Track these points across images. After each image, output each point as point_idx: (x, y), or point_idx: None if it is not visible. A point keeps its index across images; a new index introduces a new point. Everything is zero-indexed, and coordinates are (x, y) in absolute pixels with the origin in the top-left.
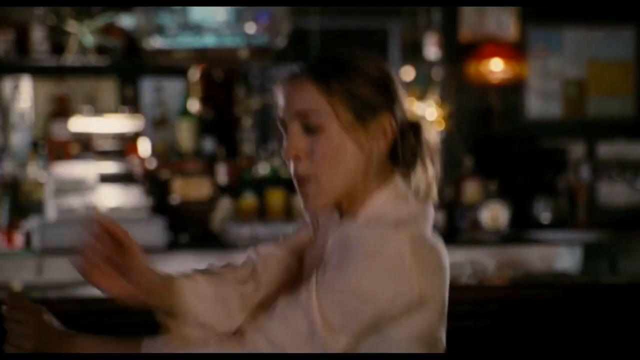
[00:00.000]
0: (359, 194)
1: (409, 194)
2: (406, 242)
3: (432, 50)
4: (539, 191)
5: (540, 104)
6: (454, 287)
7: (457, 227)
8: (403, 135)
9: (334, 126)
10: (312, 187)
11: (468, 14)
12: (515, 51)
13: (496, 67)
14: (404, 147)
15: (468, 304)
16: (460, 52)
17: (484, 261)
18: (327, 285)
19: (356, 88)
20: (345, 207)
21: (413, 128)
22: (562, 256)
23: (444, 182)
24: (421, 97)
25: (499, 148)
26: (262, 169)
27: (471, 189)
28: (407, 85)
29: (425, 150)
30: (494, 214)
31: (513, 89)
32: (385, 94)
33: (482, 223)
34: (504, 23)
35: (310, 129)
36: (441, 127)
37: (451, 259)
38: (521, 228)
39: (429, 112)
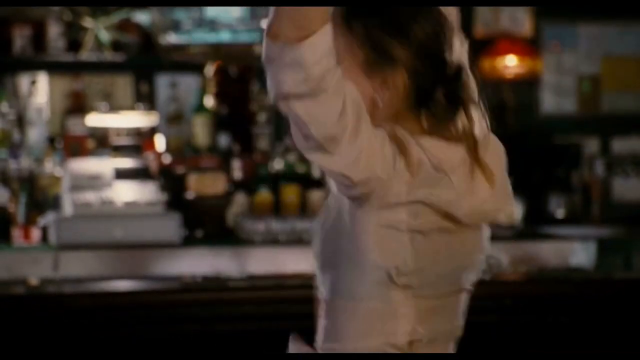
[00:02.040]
0: None
1: None
2: None
3: None
4: (553, 187)
5: (554, 100)
6: None
7: None
8: (430, 90)
9: (348, 63)
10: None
11: (482, 10)
12: (529, 47)
13: (510, 63)
14: (431, 101)
15: (482, 299)
16: (474, 47)
17: (498, 256)
18: None
19: (376, 35)
20: None
21: (448, 83)
22: (576, 252)
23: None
24: None
25: (513, 144)
26: (277, 164)
27: None
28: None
29: (466, 98)
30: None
31: (527, 84)
32: (410, 52)
33: None
34: (519, 19)
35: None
36: None
37: None
38: (535, 223)
39: None
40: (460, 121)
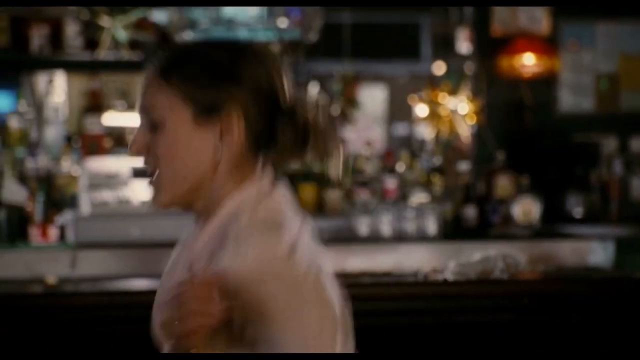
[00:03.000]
0: (215, 194)
1: (278, 189)
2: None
3: (463, 44)
4: (571, 186)
5: (572, 98)
6: (487, 282)
7: (488, 222)
8: (270, 129)
9: (173, 122)
10: (154, 184)
11: (500, 8)
12: (547, 45)
13: (528, 61)
14: (275, 140)
15: (500, 298)
16: (492, 46)
17: (516, 255)
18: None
19: (199, 83)
20: (200, 208)
21: (288, 114)
22: (595, 251)
23: (475, 177)
24: (453, 91)
25: (531, 142)
26: (294, 163)
27: (503, 184)
28: (439, 79)
29: (311, 133)
30: (526, 209)
31: (545, 83)
32: (239, 91)
33: (514, 217)
34: (536, 17)
35: (154, 126)
36: (473, 121)
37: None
38: (553, 223)
39: (460, 107)
40: (309, 156)
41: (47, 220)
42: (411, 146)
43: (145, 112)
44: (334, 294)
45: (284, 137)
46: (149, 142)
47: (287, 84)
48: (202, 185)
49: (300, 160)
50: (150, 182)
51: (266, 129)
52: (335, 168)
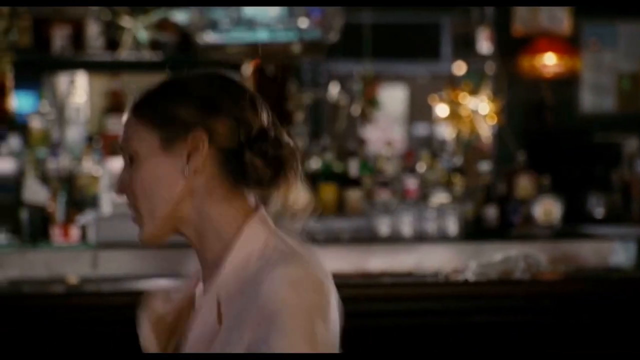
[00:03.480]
0: (198, 223)
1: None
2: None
3: (484, 44)
4: (593, 186)
5: (593, 98)
6: (508, 282)
7: (509, 222)
8: (239, 153)
9: (143, 153)
10: (138, 220)
11: (521, 8)
12: (568, 45)
13: (549, 61)
14: (246, 166)
15: (521, 299)
16: (513, 46)
17: (537, 256)
18: None
19: (161, 107)
20: (192, 238)
21: (255, 144)
22: (616, 251)
23: (496, 177)
24: (474, 91)
25: (552, 142)
26: (315, 163)
27: (524, 184)
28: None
29: (279, 165)
30: (547, 209)
31: (566, 83)
32: (201, 109)
33: (535, 218)
34: (557, 17)
35: (131, 160)
36: (493, 121)
37: (504, 253)
38: (574, 223)
39: (481, 107)
40: (283, 186)
41: (69, 220)
42: (432, 146)
43: (123, 149)
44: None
45: (253, 167)
46: (128, 179)
47: (259, 116)
48: (182, 213)
49: (273, 192)
50: (133, 220)
51: (236, 155)
52: (296, 200)
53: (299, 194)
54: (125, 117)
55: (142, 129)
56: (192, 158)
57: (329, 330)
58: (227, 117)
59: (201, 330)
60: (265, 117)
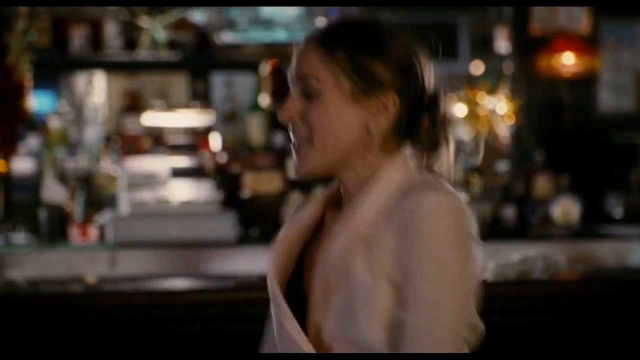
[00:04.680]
0: (360, 170)
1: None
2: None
3: (502, 44)
4: (611, 185)
5: (612, 98)
6: (526, 282)
7: (527, 222)
8: (415, 115)
9: (331, 94)
10: (304, 150)
11: (539, 7)
12: (587, 44)
13: (568, 60)
14: (418, 127)
15: (540, 299)
16: (531, 45)
17: (555, 256)
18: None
19: (362, 60)
20: (350, 181)
21: (429, 107)
22: (635, 251)
23: (514, 177)
24: (491, 91)
25: (570, 142)
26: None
27: (542, 184)
28: (475, 79)
29: (444, 130)
30: (565, 209)
31: (585, 82)
32: (396, 72)
33: (553, 218)
34: (576, 16)
35: (309, 94)
36: (511, 121)
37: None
38: (593, 223)
39: (499, 107)
40: (444, 153)
41: (87, 220)
42: None
43: (302, 80)
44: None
45: (427, 128)
46: (302, 110)
47: (436, 81)
48: (348, 159)
49: (432, 155)
50: (296, 150)
51: (415, 112)
52: (451, 170)
53: (450, 161)
54: (307, 48)
55: (337, 73)
56: (380, 117)
57: (478, 261)
58: (416, 82)
59: (337, 253)
60: (439, 82)
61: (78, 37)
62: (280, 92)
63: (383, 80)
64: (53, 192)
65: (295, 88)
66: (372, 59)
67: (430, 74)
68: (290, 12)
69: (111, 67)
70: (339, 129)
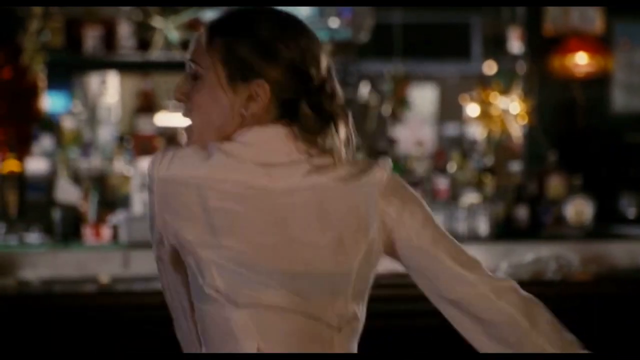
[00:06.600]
0: None
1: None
2: None
3: (515, 44)
4: (624, 186)
5: (625, 98)
6: (539, 283)
7: (540, 222)
8: (294, 101)
9: (210, 79)
10: (187, 130)
11: (552, 7)
12: (600, 44)
13: (581, 60)
14: (297, 112)
15: (553, 300)
16: (544, 45)
17: (568, 256)
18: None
19: (236, 49)
20: None
21: (313, 93)
22: None
23: (527, 177)
24: (504, 91)
25: (584, 142)
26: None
27: (555, 184)
28: (485, 81)
29: (332, 114)
30: (579, 209)
31: (598, 82)
32: (271, 61)
33: (566, 218)
34: (589, 16)
35: (194, 77)
36: (524, 121)
37: (535, 254)
38: (606, 223)
39: (512, 107)
40: (329, 135)
41: (100, 220)
42: (462, 146)
43: (190, 63)
44: None
45: (305, 113)
46: (187, 92)
47: (322, 64)
48: (228, 139)
49: (319, 139)
50: (185, 128)
51: (292, 99)
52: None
53: (336, 143)
54: (199, 36)
55: (214, 60)
56: (251, 103)
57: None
58: (294, 68)
59: None
60: (325, 69)
61: (91, 38)
62: None
63: (256, 73)
64: (66, 192)
65: (187, 70)
66: (246, 49)
67: (316, 62)
68: (303, 13)
69: (124, 68)
70: (212, 111)
